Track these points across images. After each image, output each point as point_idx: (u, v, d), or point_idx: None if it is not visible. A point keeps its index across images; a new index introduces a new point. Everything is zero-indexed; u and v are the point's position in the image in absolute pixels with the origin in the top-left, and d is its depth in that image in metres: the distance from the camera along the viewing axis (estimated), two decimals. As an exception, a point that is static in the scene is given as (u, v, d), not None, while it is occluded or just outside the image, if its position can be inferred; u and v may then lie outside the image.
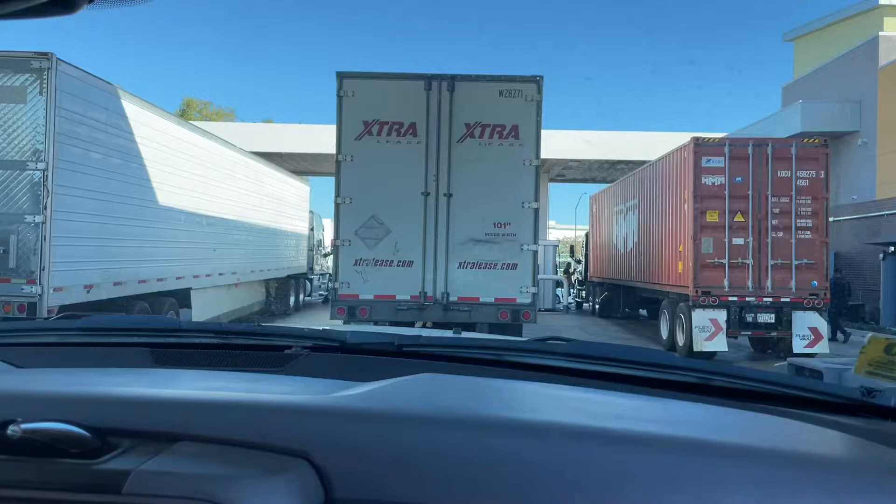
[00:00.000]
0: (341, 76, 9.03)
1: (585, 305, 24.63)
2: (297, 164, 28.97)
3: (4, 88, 8.18)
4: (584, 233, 27.76)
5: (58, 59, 8.27)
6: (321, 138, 27.68)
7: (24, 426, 0.87)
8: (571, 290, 25.80)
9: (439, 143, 8.99)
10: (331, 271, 29.16)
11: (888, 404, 1.23)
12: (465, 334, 1.87)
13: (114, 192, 9.61)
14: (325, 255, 26.16)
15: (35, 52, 8.20)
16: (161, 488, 0.84)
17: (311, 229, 23.34)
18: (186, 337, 1.60)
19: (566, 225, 47.80)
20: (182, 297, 12.13)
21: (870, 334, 1.37)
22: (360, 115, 8.98)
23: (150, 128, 10.76)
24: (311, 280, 23.71)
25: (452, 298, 8.95)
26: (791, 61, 27.46)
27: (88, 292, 9.10)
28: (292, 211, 20.74)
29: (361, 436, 0.94)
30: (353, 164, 9.01)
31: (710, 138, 13.44)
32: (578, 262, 26.82)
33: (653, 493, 0.89)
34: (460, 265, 9.00)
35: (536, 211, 9.08)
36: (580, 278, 25.44)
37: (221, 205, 13.99)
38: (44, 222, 8.14)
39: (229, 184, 14.49)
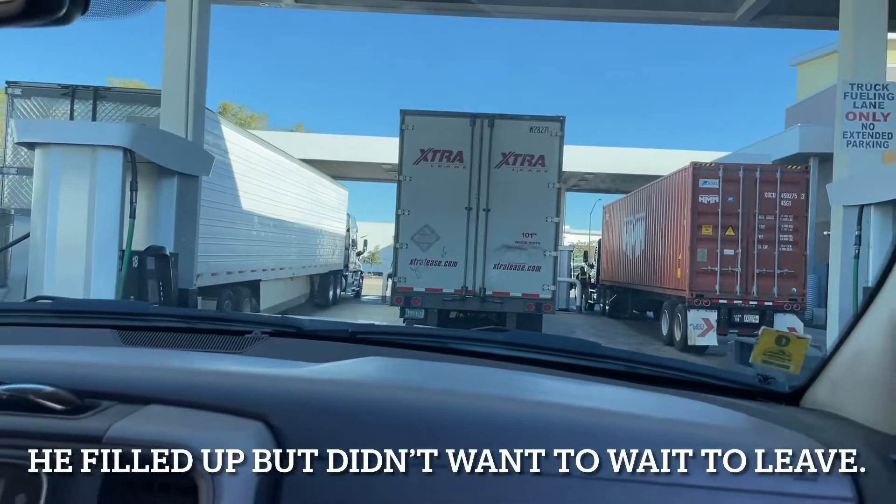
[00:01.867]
0: (404, 113, 11.25)
1: (597, 307, 26.61)
2: (329, 170, 31.16)
3: (143, 119, 10.46)
4: (596, 238, 29.79)
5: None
6: (352, 147, 29.99)
7: (10, 387, 0.98)
8: (585, 292, 27.77)
9: (480, 168, 11.18)
10: (362, 269, 31.32)
11: (781, 390, 1.39)
12: (416, 325, 2.52)
13: (215, 200, 11.84)
14: (359, 254, 28.42)
15: (169, 92, 10.45)
16: (137, 437, 0.94)
17: (348, 230, 25.56)
18: (152, 321, 1.67)
19: (580, 230, 49.88)
20: (254, 288, 14.38)
21: (763, 327, 1.48)
22: (417, 144, 11.19)
23: (236, 145, 13.00)
24: (346, 276, 25.94)
25: (488, 292, 11.14)
26: (795, 84, 29.37)
27: (196, 280, 11.35)
28: (333, 213, 22.96)
29: (313, 400, 1.06)
30: (412, 184, 11.22)
31: (706, 163, 15.53)
32: (591, 266, 28.82)
33: (551, 444, 0.99)
34: (495, 266, 11.18)
35: (557, 224, 11.25)
36: (592, 281, 27.45)
37: (282, 208, 16.23)
38: (171, 225, 10.40)
39: (288, 190, 16.72)
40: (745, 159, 23.07)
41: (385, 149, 28.67)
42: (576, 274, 28.75)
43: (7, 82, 10.46)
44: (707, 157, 23.60)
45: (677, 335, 15.28)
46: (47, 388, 0.98)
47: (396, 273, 11.35)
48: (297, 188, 17.61)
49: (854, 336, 1.18)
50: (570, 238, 45.46)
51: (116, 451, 0.92)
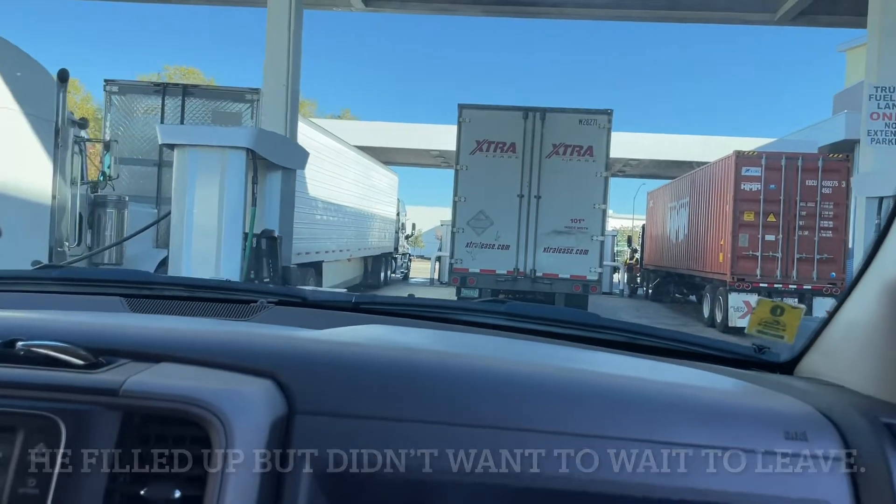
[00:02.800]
0: (461, 107, 12.12)
1: (640, 290, 27.16)
2: (377, 155, 32.16)
3: (227, 114, 11.50)
4: (640, 223, 30.25)
5: (262, 91, 11.57)
6: (400, 134, 30.92)
7: (27, 343, 1.01)
8: (631, 276, 28.33)
9: (532, 158, 11.99)
10: (410, 251, 32.41)
11: (775, 360, 1.44)
12: (417, 296, 2.10)
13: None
14: (407, 238, 29.45)
15: (248, 88, 11.51)
16: (152, 390, 0.96)
17: (398, 214, 26.57)
18: (158, 289, 1.71)
19: (624, 215, 50.06)
20: (317, 269, 15.44)
21: (758, 297, 1.79)
22: (473, 136, 12.05)
23: (304, 136, 14.01)
24: (395, 259, 27.00)
25: (538, 274, 12.00)
26: (843, 70, 29.26)
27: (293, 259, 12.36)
28: (384, 198, 23.93)
29: (321, 360, 1.08)
30: (468, 173, 12.10)
31: (749, 151, 16.02)
32: (635, 251, 29.35)
33: (551, 404, 1.04)
34: (545, 249, 12.01)
35: (604, 211, 12.03)
36: (636, 265, 28.00)
37: (342, 194, 17.24)
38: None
39: (347, 176, 17.73)
40: (791, 146, 23.26)
41: (433, 135, 29.57)
42: (625, 258, 29.31)
43: (105, 80, 11.61)
44: (753, 143, 23.86)
45: (718, 317, 15.85)
46: (63, 345, 1.01)
47: (453, 255, 12.29)
48: (355, 174, 18.61)
49: (847, 305, 1.21)
50: (613, 223, 45.93)
51: (133, 402, 0.95)
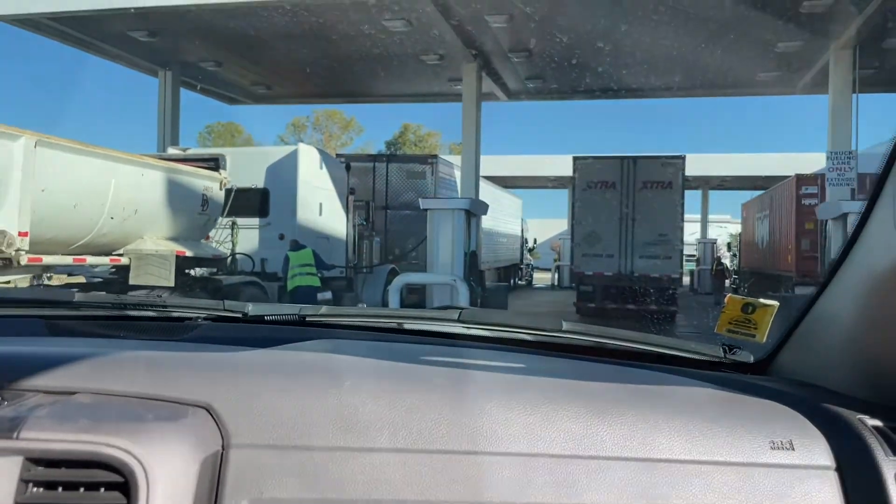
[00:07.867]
0: (575, 158, 17.13)
1: (740, 291, 30.68)
2: (499, 182, 37.38)
3: (415, 172, 17.11)
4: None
5: (438, 157, 17.12)
6: (520, 164, 35.99)
7: None
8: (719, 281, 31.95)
9: (628, 192, 16.77)
10: (532, 263, 37.77)
11: (746, 360, 1.39)
12: (367, 308, 2.46)
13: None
14: (530, 251, 34.49)
15: (429, 154, 17.10)
16: (58, 430, 0.85)
17: (522, 231, 31.70)
18: (82, 309, 1.55)
19: (737, 220, 52.63)
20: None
21: (728, 295, 1.42)
22: (585, 178, 17.01)
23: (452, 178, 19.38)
24: (521, 269, 32.12)
25: (635, 274, 16.72)
26: None
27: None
28: (511, 219, 29.11)
29: (261, 389, 0.98)
30: (581, 205, 17.07)
31: (807, 175, 20.00)
32: (734, 255, 32.95)
33: (522, 424, 0.98)
34: (640, 256, 16.73)
35: (682, 228, 16.65)
36: (734, 268, 31.72)
37: (485, 220, 22.52)
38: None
39: (492, 207, 23.02)
40: (873, 159, 26.27)
41: (547, 164, 34.53)
42: (714, 266, 32.92)
43: (337, 154, 17.52)
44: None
45: (788, 307, 19.74)
46: None
47: (573, 262, 17.31)
48: (491, 202, 23.90)
49: (822, 301, 1.17)
50: (720, 230, 49.02)
51: (34, 445, 0.84)
